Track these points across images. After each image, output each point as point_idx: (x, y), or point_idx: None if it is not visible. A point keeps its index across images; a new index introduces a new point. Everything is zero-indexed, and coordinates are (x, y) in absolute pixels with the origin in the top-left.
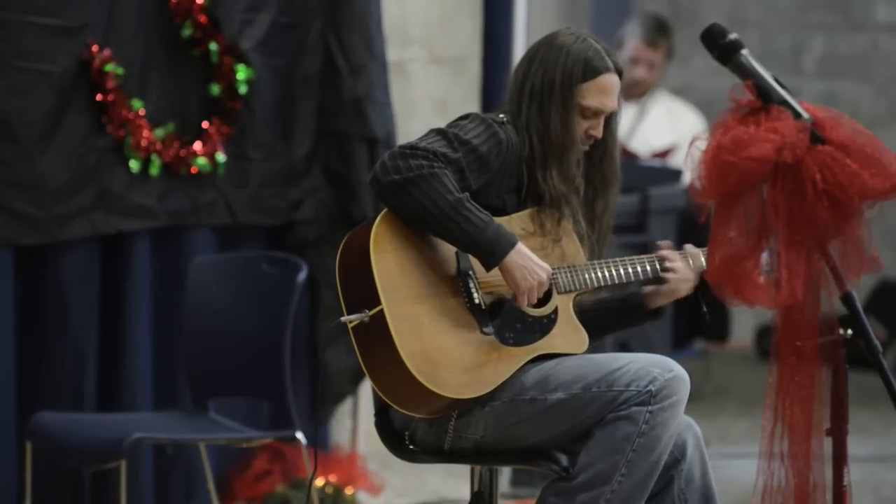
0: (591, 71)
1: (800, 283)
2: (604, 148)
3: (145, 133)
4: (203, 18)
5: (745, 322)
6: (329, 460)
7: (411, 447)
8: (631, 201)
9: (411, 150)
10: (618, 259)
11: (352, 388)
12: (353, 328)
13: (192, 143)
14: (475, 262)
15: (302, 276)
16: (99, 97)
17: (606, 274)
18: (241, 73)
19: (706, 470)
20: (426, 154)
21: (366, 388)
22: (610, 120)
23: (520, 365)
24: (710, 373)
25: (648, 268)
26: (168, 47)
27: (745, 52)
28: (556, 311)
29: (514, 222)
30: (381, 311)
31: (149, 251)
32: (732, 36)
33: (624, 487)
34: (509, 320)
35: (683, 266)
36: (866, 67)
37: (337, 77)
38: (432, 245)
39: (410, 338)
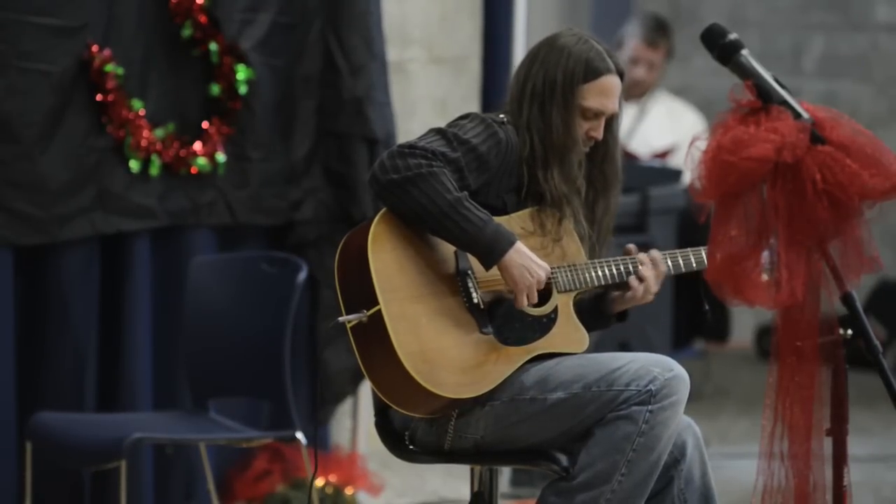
0: (593, 72)
1: (800, 283)
2: (605, 150)
3: (145, 133)
4: (203, 18)
5: (745, 322)
6: (329, 460)
7: (411, 447)
8: (631, 201)
9: (410, 149)
10: (618, 258)
11: (352, 388)
12: (351, 328)
13: (192, 143)
14: (474, 261)
15: (302, 276)
16: (99, 97)
17: (607, 272)
18: (241, 73)
19: (706, 470)
20: (425, 153)
21: (366, 389)
22: (611, 122)
23: (519, 364)
24: (710, 373)
25: None
26: (168, 47)
27: (745, 52)
28: (555, 310)
29: (513, 222)
30: (379, 310)
31: (149, 251)
32: (732, 36)
33: (624, 487)
34: (508, 320)
35: (652, 277)
36: (866, 67)
37: (337, 77)
38: (431, 245)
39: (408, 338)
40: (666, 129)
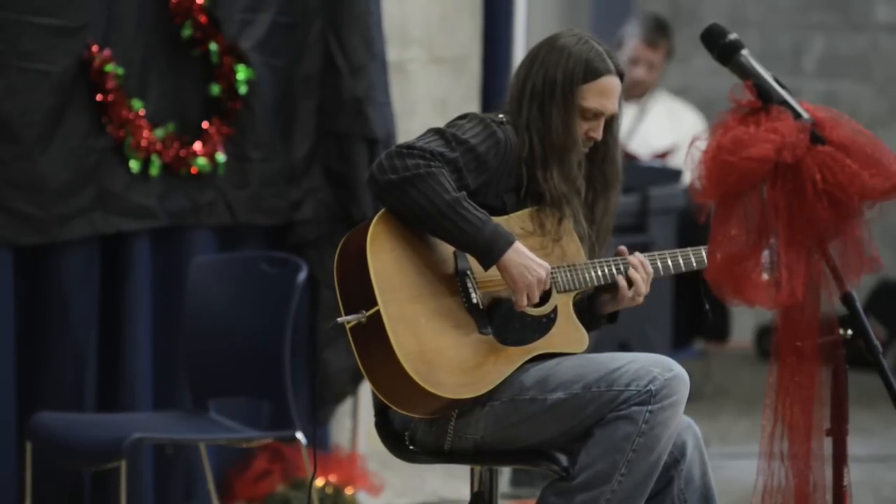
0: (592, 72)
1: (800, 283)
2: (605, 150)
3: (145, 133)
4: (203, 18)
5: (745, 322)
6: (329, 460)
7: (411, 447)
8: (631, 201)
9: (408, 149)
10: (618, 258)
11: (352, 388)
12: (350, 329)
13: (192, 143)
14: (473, 261)
15: (302, 276)
16: (99, 97)
17: (607, 272)
18: (241, 73)
19: (706, 470)
20: (423, 153)
21: (366, 389)
22: (611, 122)
23: (519, 365)
24: (710, 373)
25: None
26: (168, 47)
27: (745, 52)
28: (555, 310)
29: (513, 222)
30: (378, 311)
31: (149, 251)
32: (732, 36)
33: (624, 487)
34: (508, 320)
35: (639, 279)
36: (866, 67)
37: (337, 77)
38: (430, 245)
39: (407, 338)
40: (666, 129)
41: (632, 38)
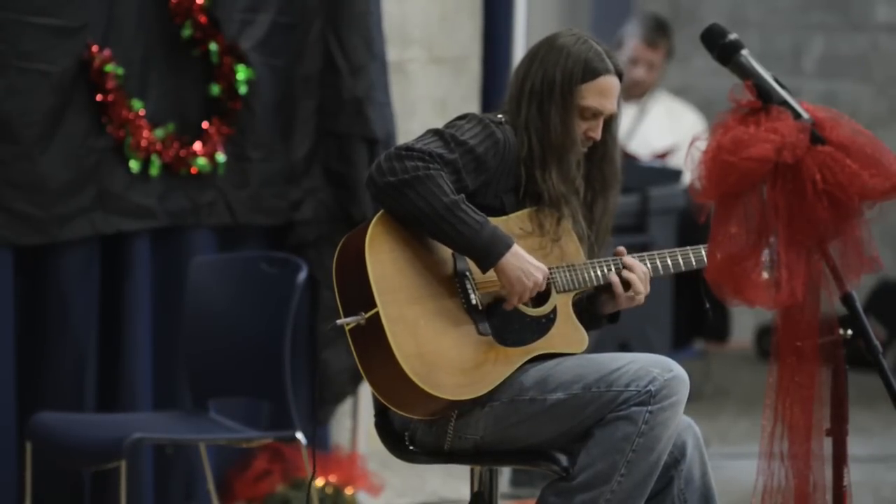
0: (591, 72)
1: (800, 283)
2: (604, 150)
3: (145, 133)
4: (203, 18)
5: (745, 322)
6: (329, 460)
7: (411, 448)
8: (631, 202)
9: (407, 151)
10: (616, 258)
11: (352, 388)
12: (349, 330)
13: (192, 143)
14: (472, 262)
15: (302, 276)
16: (99, 97)
17: (606, 272)
18: (241, 73)
19: (706, 470)
20: (422, 155)
21: (366, 389)
22: (610, 122)
23: (518, 365)
24: (710, 373)
25: (649, 265)
26: (168, 47)
27: (744, 52)
28: (554, 310)
29: (512, 222)
30: (377, 313)
31: (149, 251)
32: (732, 36)
33: (623, 487)
34: (507, 321)
35: (634, 279)
36: (866, 67)
37: (337, 77)
38: (429, 246)
39: (406, 340)
40: (666, 129)
41: (632, 38)
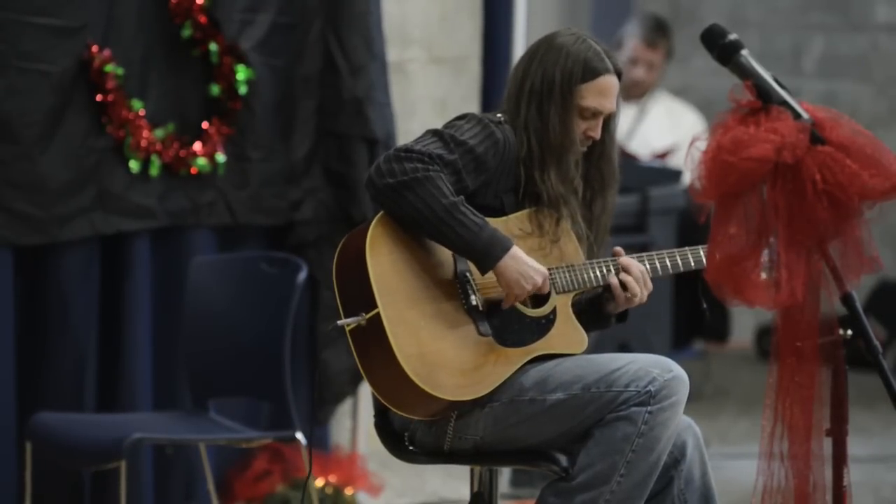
0: (591, 72)
1: (800, 283)
2: (602, 149)
3: (145, 133)
4: (203, 18)
5: (745, 322)
6: (329, 460)
7: (411, 448)
8: (631, 202)
9: (406, 152)
10: (615, 258)
11: (352, 388)
12: (350, 331)
13: (192, 143)
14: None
15: (302, 276)
16: (99, 97)
17: (605, 272)
18: (241, 73)
19: (706, 470)
20: (421, 157)
21: (366, 389)
22: (608, 121)
23: (518, 366)
24: (710, 373)
25: (647, 266)
26: (168, 47)
27: (744, 52)
28: (554, 311)
29: (511, 223)
30: (378, 314)
31: (149, 251)
32: (732, 36)
33: (623, 488)
34: (507, 321)
35: (631, 280)
36: (866, 67)
37: (337, 77)
38: (429, 248)
39: (407, 340)
40: (666, 129)
41: (631, 39)
